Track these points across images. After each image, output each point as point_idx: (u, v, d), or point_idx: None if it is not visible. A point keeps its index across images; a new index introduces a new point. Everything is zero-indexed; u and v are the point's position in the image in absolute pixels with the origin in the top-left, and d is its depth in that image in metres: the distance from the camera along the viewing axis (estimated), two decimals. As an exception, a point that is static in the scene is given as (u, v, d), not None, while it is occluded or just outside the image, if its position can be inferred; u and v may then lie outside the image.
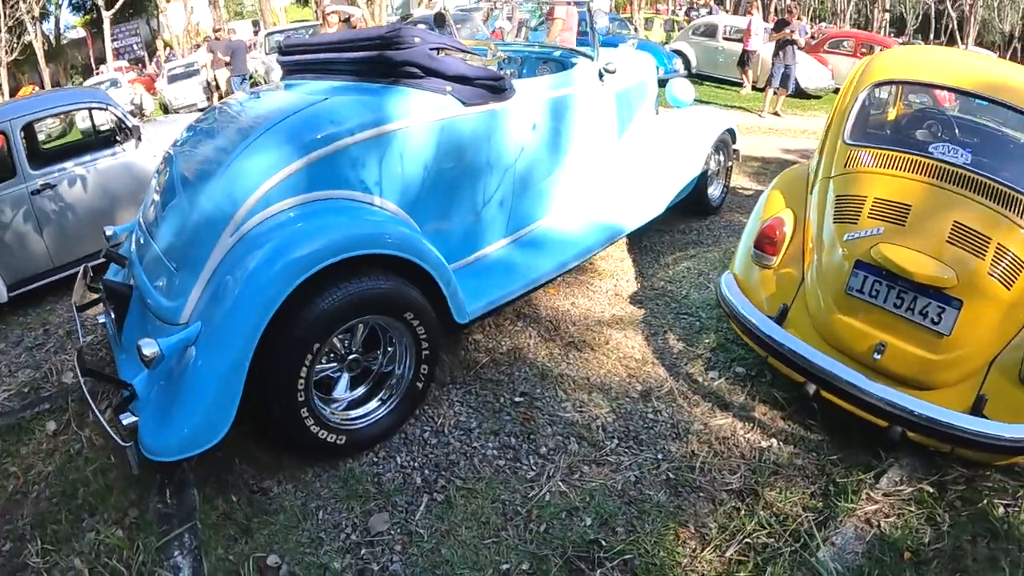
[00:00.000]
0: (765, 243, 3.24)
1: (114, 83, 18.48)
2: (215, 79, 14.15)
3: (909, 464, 2.77)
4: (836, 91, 13.86)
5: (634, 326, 3.88)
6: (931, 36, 40.35)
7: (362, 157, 2.83)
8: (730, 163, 5.77)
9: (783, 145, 9.22)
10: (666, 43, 18.87)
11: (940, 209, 2.86)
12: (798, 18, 15.33)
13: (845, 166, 3.22)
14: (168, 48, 31.55)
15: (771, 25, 12.67)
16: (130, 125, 5.46)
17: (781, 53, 10.83)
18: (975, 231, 2.73)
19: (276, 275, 2.38)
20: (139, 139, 5.47)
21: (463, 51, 3.45)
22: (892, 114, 4.11)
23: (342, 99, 2.96)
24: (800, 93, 13.35)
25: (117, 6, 28.41)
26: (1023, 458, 2.72)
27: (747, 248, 3.35)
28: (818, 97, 13.82)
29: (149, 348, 2.29)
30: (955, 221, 2.78)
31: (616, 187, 4.53)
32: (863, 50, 15.36)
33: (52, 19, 39.50)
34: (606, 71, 4.26)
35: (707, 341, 3.70)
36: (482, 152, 3.33)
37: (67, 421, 3.28)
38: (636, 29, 20.33)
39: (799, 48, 11.42)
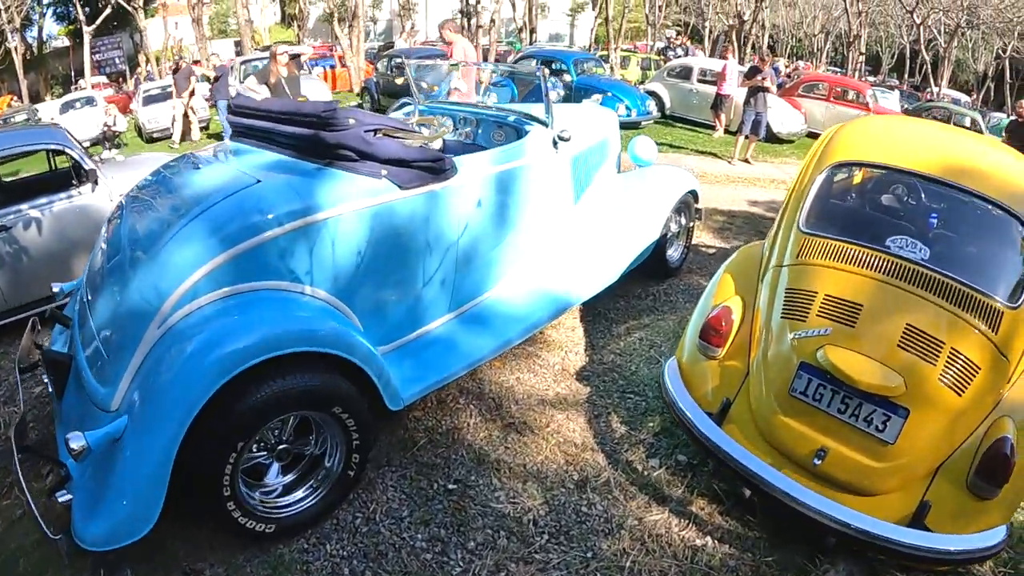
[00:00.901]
0: (711, 334, 3.15)
1: (89, 101, 18.27)
2: (174, 107, 14.13)
3: (845, 569, 2.69)
4: (809, 135, 14.03)
5: (578, 406, 3.79)
6: (906, 75, 41.16)
7: (290, 247, 2.76)
8: (692, 223, 5.66)
9: (751, 196, 9.15)
10: (642, 82, 18.98)
11: (893, 310, 2.78)
12: (772, 63, 15.52)
13: (798, 256, 3.14)
14: (147, 62, 31.49)
15: (746, 68, 12.76)
16: (87, 168, 5.38)
17: (753, 100, 10.86)
18: (928, 335, 2.66)
19: (200, 375, 2.33)
20: (95, 183, 5.38)
21: (402, 130, 3.37)
22: (859, 177, 4.01)
23: (275, 181, 2.89)
24: (772, 138, 13.38)
25: (98, 21, 28.32)
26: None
27: (693, 337, 3.26)
28: (791, 142, 13.86)
29: (76, 442, 2.27)
30: (908, 324, 2.70)
31: (570, 255, 4.42)
32: (837, 91, 15.62)
33: (35, 27, 39.37)
34: (560, 139, 4.18)
35: (651, 424, 3.61)
36: (420, 234, 3.25)
37: (10, 484, 3.18)
38: (612, 68, 20.42)
39: (772, 93, 11.48)
